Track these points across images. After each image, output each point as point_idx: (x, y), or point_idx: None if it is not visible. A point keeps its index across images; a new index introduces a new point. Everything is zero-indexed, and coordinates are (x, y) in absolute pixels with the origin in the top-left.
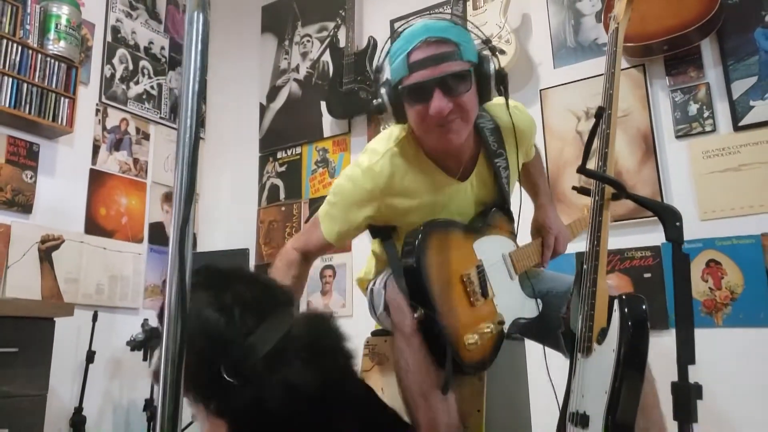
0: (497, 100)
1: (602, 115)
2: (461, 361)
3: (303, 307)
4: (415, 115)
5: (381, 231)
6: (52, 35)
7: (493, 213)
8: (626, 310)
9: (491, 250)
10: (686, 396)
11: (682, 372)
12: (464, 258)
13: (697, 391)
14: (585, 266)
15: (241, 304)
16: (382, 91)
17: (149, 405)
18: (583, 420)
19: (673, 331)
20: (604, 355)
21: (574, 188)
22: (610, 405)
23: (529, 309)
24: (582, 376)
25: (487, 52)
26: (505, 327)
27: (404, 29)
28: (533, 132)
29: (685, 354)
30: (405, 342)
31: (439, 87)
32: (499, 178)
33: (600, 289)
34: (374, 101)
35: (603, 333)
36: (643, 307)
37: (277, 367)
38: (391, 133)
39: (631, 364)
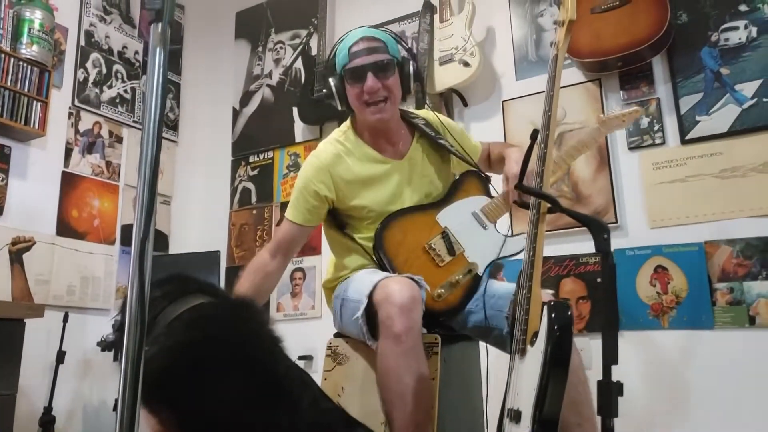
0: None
1: (536, 137)
2: (433, 311)
3: (273, 309)
4: (354, 94)
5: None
6: (25, 39)
7: (463, 180)
8: (553, 315)
9: (458, 214)
10: (609, 393)
11: (606, 371)
12: (427, 230)
13: (618, 388)
14: (522, 273)
15: (161, 295)
16: (330, 81)
17: None
18: (516, 416)
19: (623, 333)
20: (535, 356)
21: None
22: (537, 401)
23: (513, 246)
24: (517, 376)
25: (409, 58)
26: (481, 269)
27: (347, 34)
28: (457, 126)
29: (609, 355)
30: (391, 344)
31: (371, 71)
32: (443, 147)
33: (534, 295)
34: (323, 90)
35: (536, 336)
36: (569, 313)
37: (163, 335)
38: (337, 129)
39: (557, 363)
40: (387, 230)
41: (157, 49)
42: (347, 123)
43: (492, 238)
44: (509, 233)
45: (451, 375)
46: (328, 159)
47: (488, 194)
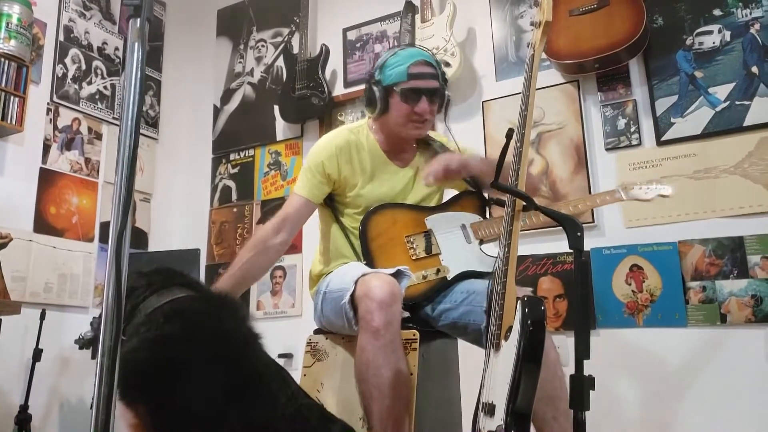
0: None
1: (511, 136)
2: None
3: (253, 307)
4: (404, 110)
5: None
6: (2, 34)
7: (463, 196)
8: (527, 310)
9: (448, 222)
10: (580, 386)
11: (578, 365)
12: (413, 226)
13: (590, 382)
14: (496, 269)
15: (144, 285)
16: (375, 89)
17: None
18: (490, 409)
19: (599, 331)
20: (509, 350)
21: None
22: (510, 394)
23: (486, 264)
24: (492, 370)
25: (443, 81)
26: (450, 275)
27: (402, 48)
28: (465, 149)
29: (581, 350)
30: (370, 338)
31: (426, 95)
32: None
33: (509, 290)
34: (367, 95)
35: (510, 330)
36: (542, 308)
37: (143, 325)
38: (351, 124)
39: (530, 358)
40: (377, 214)
41: (136, 45)
42: (362, 122)
43: (472, 252)
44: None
45: (429, 370)
46: (339, 143)
47: (483, 215)
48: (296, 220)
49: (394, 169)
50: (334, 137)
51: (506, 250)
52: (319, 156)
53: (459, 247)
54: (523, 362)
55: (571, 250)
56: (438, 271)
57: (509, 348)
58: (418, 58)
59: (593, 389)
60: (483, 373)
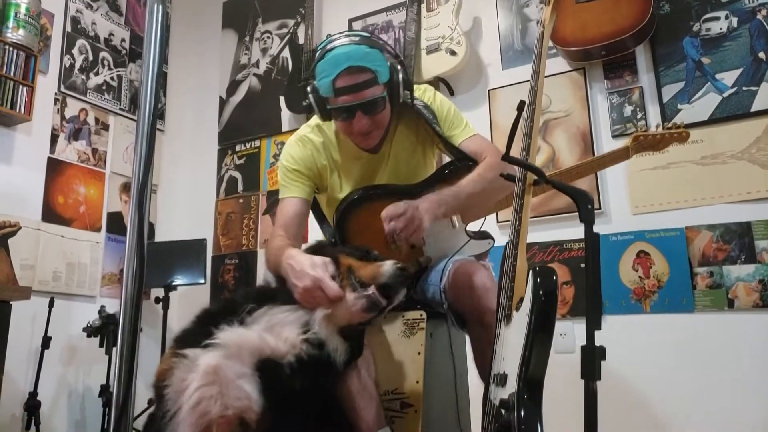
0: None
1: (522, 108)
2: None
3: None
4: (340, 126)
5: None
6: (11, 23)
7: (452, 173)
8: (538, 280)
9: None
10: (592, 357)
11: (589, 336)
12: None
13: (601, 353)
14: (509, 240)
15: None
16: (311, 97)
17: (105, 391)
18: (502, 379)
19: (606, 317)
20: (521, 321)
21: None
22: (522, 362)
23: (475, 248)
24: (503, 342)
25: (398, 64)
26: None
27: (331, 48)
28: (448, 111)
29: (592, 321)
30: None
31: (361, 109)
32: (429, 137)
33: (520, 263)
34: (303, 102)
35: (521, 301)
36: (554, 278)
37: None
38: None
39: (542, 327)
40: (356, 203)
41: (156, 5)
42: None
43: (456, 237)
44: (474, 235)
45: (437, 349)
46: (309, 145)
47: None
48: (299, 223)
49: (366, 159)
50: (304, 139)
51: (517, 223)
52: (295, 159)
53: (443, 234)
54: (534, 332)
55: (577, 239)
56: (419, 263)
57: (521, 317)
58: (343, 66)
59: (605, 359)
60: (494, 346)
